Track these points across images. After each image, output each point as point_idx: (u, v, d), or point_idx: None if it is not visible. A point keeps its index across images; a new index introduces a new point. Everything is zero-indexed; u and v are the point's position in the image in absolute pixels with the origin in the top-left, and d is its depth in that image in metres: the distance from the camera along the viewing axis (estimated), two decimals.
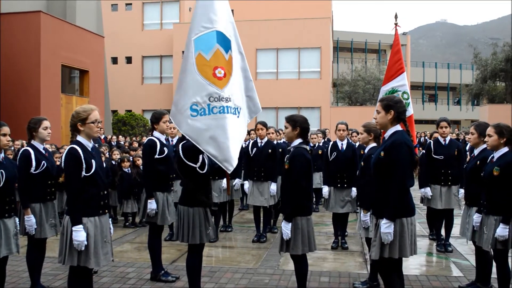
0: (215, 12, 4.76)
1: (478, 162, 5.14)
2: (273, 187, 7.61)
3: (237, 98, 4.69)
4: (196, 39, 4.69)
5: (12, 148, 8.86)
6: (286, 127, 4.76)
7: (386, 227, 3.90)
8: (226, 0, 4.93)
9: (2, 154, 4.60)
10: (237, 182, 8.24)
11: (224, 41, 4.74)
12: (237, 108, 4.67)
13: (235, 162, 4.49)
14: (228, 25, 4.83)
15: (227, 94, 4.57)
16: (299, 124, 4.69)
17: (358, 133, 8.16)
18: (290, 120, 4.74)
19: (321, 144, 10.37)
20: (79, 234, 3.91)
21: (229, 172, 4.74)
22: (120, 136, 18.52)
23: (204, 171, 4.81)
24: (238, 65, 4.83)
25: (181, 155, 4.74)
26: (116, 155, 9.61)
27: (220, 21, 4.75)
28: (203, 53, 4.64)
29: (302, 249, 4.61)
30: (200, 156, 4.75)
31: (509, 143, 4.73)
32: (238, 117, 4.66)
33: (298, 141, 4.69)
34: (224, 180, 7.90)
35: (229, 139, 4.47)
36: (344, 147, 7.32)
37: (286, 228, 4.55)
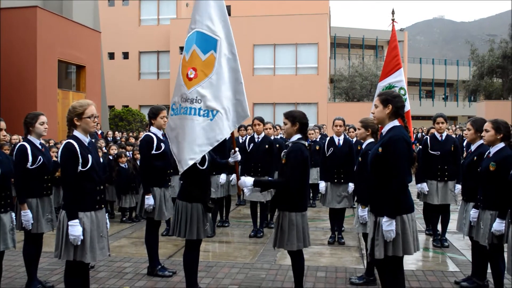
0: (200, 12, 4.75)
1: (475, 158, 5.15)
2: None
3: (213, 100, 4.56)
4: (186, 40, 4.79)
5: (9, 143, 8.84)
6: (285, 123, 4.76)
7: (388, 224, 3.88)
8: (220, 0, 4.85)
9: None
10: (233, 177, 8.24)
11: (205, 41, 4.68)
12: (212, 111, 4.55)
13: (186, 165, 4.47)
14: (218, 24, 4.75)
15: (194, 95, 4.54)
16: (298, 120, 4.68)
17: (355, 129, 8.17)
18: (289, 116, 4.73)
19: (317, 139, 10.38)
20: (75, 229, 3.91)
21: (179, 174, 4.74)
22: (117, 132, 18.49)
23: (203, 167, 4.81)
24: (225, 66, 4.71)
25: None
26: (114, 150, 9.60)
27: (203, 21, 4.71)
28: (186, 53, 4.71)
29: (297, 245, 4.62)
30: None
31: (505, 139, 4.75)
32: (211, 120, 4.54)
33: (297, 136, 4.69)
34: (222, 176, 7.90)
35: (186, 140, 4.47)
36: (341, 142, 7.33)
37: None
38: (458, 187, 6.83)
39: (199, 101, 4.54)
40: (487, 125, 4.85)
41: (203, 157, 4.79)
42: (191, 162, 4.48)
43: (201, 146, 4.52)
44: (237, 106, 4.75)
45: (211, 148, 4.60)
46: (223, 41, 4.74)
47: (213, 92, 4.61)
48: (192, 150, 4.48)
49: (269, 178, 5.07)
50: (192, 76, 4.60)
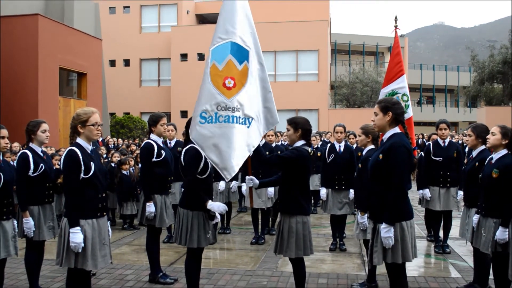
0: (233, 24, 4.81)
1: (477, 164, 5.14)
2: (271, 189, 7.62)
3: (249, 108, 4.68)
4: (213, 50, 4.78)
5: (10, 151, 8.85)
6: (288, 129, 4.79)
7: (386, 231, 3.87)
8: (248, 12, 4.92)
9: (0, 157, 4.60)
10: (234, 184, 8.24)
11: (240, 52, 4.78)
12: (248, 118, 4.67)
13: (234, 172, 4.53)
14: (248, 36, 4.84)
15: (235, 104, 4.62)
16: (300, 126, 4.72)
17: (355, 135, 8.19)
18: (292, 122, 4.77)
19: (318, 146, 10.39)
20: (76, 236, 3.91)
21: (227, 181, 4.82)
22: (120, 139, 18.52)
23: (205, 176, 4.81)
24: (256, 76, 4.83)
25: (182, 161, 4.76)
26: (116, 157, 9.61)
27: (237, 33, 4.79)
28: (217, 63, 4.73)
29: (296, 252, 4.62)
30: (202, 162, 4.77)
31: (509, 147, 4.71)
32: (248, 127, 4.66)
33: (300, 142, 4.72)
34: (221, 183, 7.89)
35: (231, 148, 4.53)
36: (342, 149, 7.33)
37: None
38: (461, 193, 6.82)
39: (239, 110, 4.63)
40: (495, 129, 4.79)
41: (205, 164, 4.80)
42: (237, 169, 4.56)
43: (243, 152, 4.61)
44: (266, 113, 4.85)
45: (249, 154, 4.67)
46: (253, 52, 4.85)
47: (249, 100, 4.71)
48: (237, 157, 4.56)
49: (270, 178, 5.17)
50: (231, 85, 4.68)
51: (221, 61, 4.72)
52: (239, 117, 4.61)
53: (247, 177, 4.82)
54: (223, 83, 4.65)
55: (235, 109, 4.61)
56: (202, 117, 4.63)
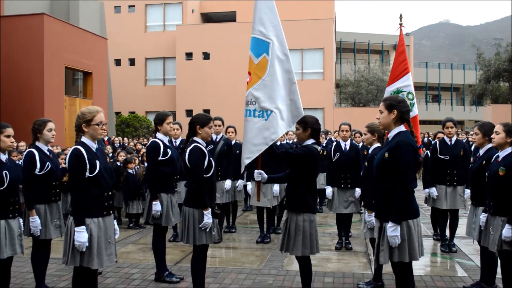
0: (254, 19, 4.89)
1: (483, 162, 5.12)
2: (276, 187, 7.61)
3: (267, 101, 4.70)
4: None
5: (16, 150, 8.88)
6: (297, 129, 4.79)
7: (392, 230, 3.85)
8: (271, 4, 4.93)
9: (6, 155, 4.62)
10: (240, 183, 8.24)
11: (258, 45, 4.82)
12: (266, 111, 4.69)
13: (243, 164, 4.65)
14: (269, 28, 4.85)
15: (249, 98, 4.70)
16: (310, 125, 4.73)
17: (361, 134, 8.16)
18: (301, 121, 4.77)
19: (324, 144, 10.38)
20: (81, 235, 3.92)
21: (241, 172, 4.89)
22: (125, 138, 18.55)
23: (208, 175, 4.81)
24: (278, 68, 4.81)
25: (186, 160, 4.76)
26: (122, 156, 9.63)
27: (256, 26, 4.85)
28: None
29: (303, 251, 4.61)
30: (206, 161, 4.77)
31: None
32: (266, 120, 4.68)
33: (310, 141, 4.73)
34: (227, 181, 7.88)
35: (244, 141, 4.69)
36: (347, 147, 7.31)
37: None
38: (468, 192, 6.79)
39: (254, 103, 4.70)
40: (498, 127, 4.80)
41: (209, 163, 4.80)
42: (247, 161, 4.64)
43: (258, 146, 4.66)
44: (291, 106, 4.84)
45: (266, 147, 4.69)
46: (275, 43, 4.84)
47: (267, 93, 4.73)
48: (249, 150, 4.65)
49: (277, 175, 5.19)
50: (247, 80, 4.79)
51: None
52: (254, 110, 4.67)
53: (256, 171, 4.81)
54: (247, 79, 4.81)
55: (249, 103, 4.69)
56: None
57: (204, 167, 4.75)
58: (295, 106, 4.83)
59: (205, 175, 4.77)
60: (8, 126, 4.61)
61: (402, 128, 4.04)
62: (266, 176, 4.82)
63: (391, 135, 4.08)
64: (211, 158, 4.86)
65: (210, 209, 4.72)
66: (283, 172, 5.08)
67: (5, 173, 4.45)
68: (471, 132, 5.63)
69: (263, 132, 4.66)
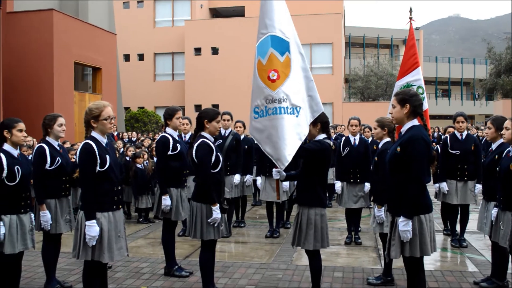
0: (270, 17, 4.87)
1: (496, 157, 5.08)
2: (286, 182, 7.60)
3: (296, 98, 4.72)
4: (257, 46, 4.89)
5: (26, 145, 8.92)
6: None
7: (404, 224, 3.83)
8: (283, 5, 4.96)
9: (18, 151, 4.65)
10: (248, 177, 8.23)
11: (280, 44, 4.82)
12: (296, 107, 4.71)
13: (287, 162, 4.59)
14: (287, 27, 4.88)
15: (281, 95, 4.68)
16: (319, 120, 4.74)
17: (370, 129, 8.12)
18: None
19: (333, 139, 10.35)
20: (92, 229, 3.94)
21: (282, 169, 4.83)
22: (134, 133, 18.60)
23: (216, 170, 4.81)
24: (298, 66, 4.87)
25: (193, 155, 4.77)
26: (131, 151, 9.66)
27: (275, 25, 4.84)
28: (261, 58, 4.82)
29: (314, 244, 4.61)
30: (213, 156, 4.77)
31: None
32: (297, 116, 4.70)
33: (322, 136, 4.73)
34: (236, 176, 7.88)
35: (281, 139, 4.60)
36: (357, 142, 7.29)
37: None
38: (479, 187, 6.74)
39: (285, 100, 4.68)
40: (508, 123, 4.78)
41: (217, 158, 4.81)
42: (290, 158, 4.61)
43: (294, 142, 4.65)
44: (310, 101, 4.87)
45: (301, 142, 4.68)
46: (293, 42, 4.88)
47: (294, 90, 4.75)
48: (289, 146, 4.62)
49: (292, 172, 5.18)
50: (275, 77, 4.75)
51: (264, 55, 4.81)
52: (287, 107, 4.67)
53: (274, 169, 4.82)
54: (268, 76, 4.74)
55: (282, 100, 4.67)
56: (255, 112, 4.77)
57: (212, 162, 4.76)
58: (315, 101, 4.87)
59: (212, 171, 4.77)
60: (20, 121, 4.64)
61: (415, 122, 4.00)
62: (284, 174, 4.82)
63: (404, 129, 4.04)
64: (218, 154, 4.86)
65: (218, 205, 4.72)
66: (290, 169, 5.07)
67: (17, 168, 4.47)
68: (482, 127, 5.61)
69: (296, 128, 4.67)
